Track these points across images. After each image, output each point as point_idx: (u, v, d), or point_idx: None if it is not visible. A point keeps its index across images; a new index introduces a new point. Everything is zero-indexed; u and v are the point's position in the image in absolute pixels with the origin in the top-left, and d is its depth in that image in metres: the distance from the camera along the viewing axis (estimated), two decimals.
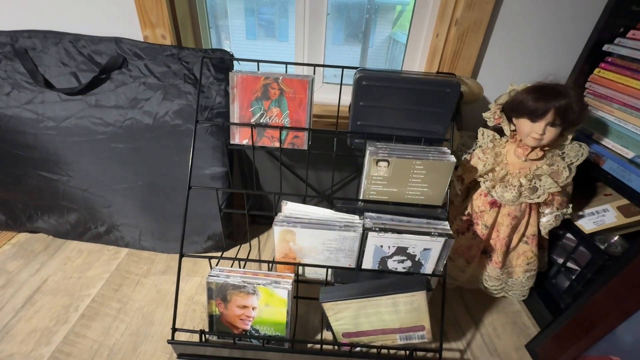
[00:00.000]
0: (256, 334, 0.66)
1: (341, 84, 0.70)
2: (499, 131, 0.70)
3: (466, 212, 0.76)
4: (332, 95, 0.96)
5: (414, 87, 0.63)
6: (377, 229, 0.60)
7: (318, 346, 0.67)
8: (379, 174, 0.63)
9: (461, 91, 0.67)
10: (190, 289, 0.82)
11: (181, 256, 0.65)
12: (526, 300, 0.83)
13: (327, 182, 0.96)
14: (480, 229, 0.73)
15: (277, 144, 0.70)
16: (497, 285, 0.78)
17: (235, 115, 0.68)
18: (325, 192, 0.96)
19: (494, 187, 0.69)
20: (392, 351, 0.65)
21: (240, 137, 0.70)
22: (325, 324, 0.72)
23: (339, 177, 0.94)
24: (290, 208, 0.64)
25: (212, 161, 0.82)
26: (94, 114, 0.78)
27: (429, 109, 0.65)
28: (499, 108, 0.67)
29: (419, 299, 0.58)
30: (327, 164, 0.92)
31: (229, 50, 0.77)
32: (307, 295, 0.73)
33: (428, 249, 0.61)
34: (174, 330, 0.64)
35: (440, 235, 0.60)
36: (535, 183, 0.65)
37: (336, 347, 0.66)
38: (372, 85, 0.63)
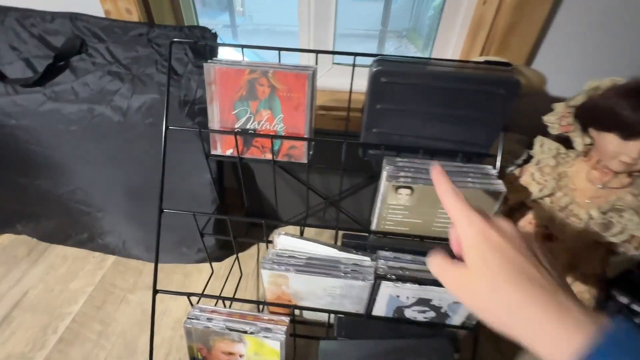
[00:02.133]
0: None
1: (352, 77, 0.53)
2: (566, 141, 0.52)
3: None
4: (343, 79, 0.78)
5: (453, 86, 0.45)
6: (394, 276, 0.46)
7: None
8: (398, 202, 0.48)
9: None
10: (178, 310, 0.73)
11: (155, 292, 0.55)
12: None
13: (334, 187, 0.81)
14: None
15: (269, 156, 0.55)
16: None
17: (215, 119, 0.54)
18: (329, 205, 0.81)
19: (550, 218, 0.52)
20: None
21: (223, 147, 0.56)
22: None
23: (348, 183, 0.79)
24: (283, 243, 0.51)
25: (197, 165, 0.68)
26: (57, 109, 0.65)
27: (472, 114, 0.48)
28: (570, 112, 0.49)
29: None
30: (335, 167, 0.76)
31: (211, 29, 0.60)
32: (305, 333, 0.63)
33: (459, 302, 0.48)
34: None
35: None
36: (611, 217, 0.48)
37: None
38: (393, 83, 0.46)
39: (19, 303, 0.74)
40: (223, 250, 0.83)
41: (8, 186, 0.76)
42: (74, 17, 0.62)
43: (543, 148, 0.52)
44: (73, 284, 0.78)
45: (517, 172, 0.57)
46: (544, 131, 0.56)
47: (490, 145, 0.51)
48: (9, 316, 0.71)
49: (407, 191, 0.47)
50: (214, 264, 0.73)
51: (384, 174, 0.48)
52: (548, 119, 0.52)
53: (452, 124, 0.49)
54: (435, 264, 0.27)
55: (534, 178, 0.52)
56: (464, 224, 0.26)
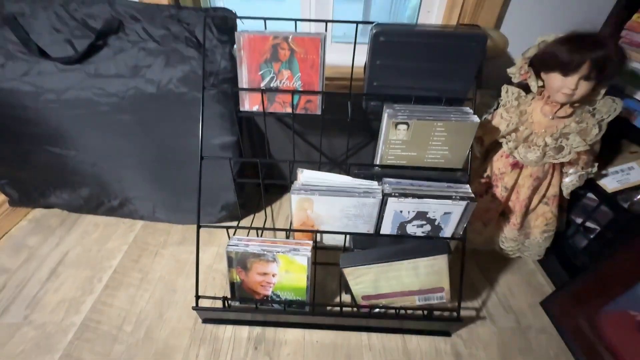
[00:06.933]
0: (277, 299, 0.68)
1: (355, 42, 0.65)
2: (525, 88, 0.66)
3: (485, 175, 0.74)
4: (343, 55, 0.90)
5: (436, 42, 0.58)
6: (397, 194, 0.59)
7: (338, 308, 0.69)
8: (397, 137, 0.61)
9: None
10: (208, 258, 0.84)
11: (199, 227, 0.65)
12: (541, 260, 0.83)
13: (340, 150, 0.93)
14: (500, 192, 0.71)
15: (289, 110, 0.67)
16: (513, 246, 0.78)
17: (243, 80, 0.65)
18: (339, 160, 0.93)
19: (516, 148, 0.66)
20: (409, 311, 0.67)
21: (250, 103, 0.67)
22: (344, 288, 0.73)
23: (352, 144, 0.91)
24: (306, 176, 0.62)
25: (220, 130, 0.79)
26: (95, 84, 0.75)
27: (452, 66, 0.61)
28: (526, 62, 0.63)
29: (440, 262, 0.58)
30: (340, 130, 0.88)
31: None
32: (325, 261, 0.74)
33: (449, 212, 0.60)
34: (198, 297, 0.66)
35: (462, 198, 0.58)
36: (561, 142, 0.62)
37: (356, 309, 0.67)
38: (390, 42, 0.59)
39: (62, 261, 0.82)
40: (243, 209, 0.94)
41: (43, 159, 0.84)
42: (112, 2, 0.71)
43: (508, 93, 0.66)
44: (109, 244, 0.87)
45: (490, 117, 0.71)
46: (509, 82, 0.69)
47: (467, 92, 0.64)
48: (55, 271, 0.80)
49: (404, 126, 0.59)
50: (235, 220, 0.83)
51: (385, 116, 0.60)
52: (510, 70, 0.66)
53: (436, 75, 0.62)
54: None
55: (502, 117, 0.66)
56: None
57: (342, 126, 0.87)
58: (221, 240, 0.89)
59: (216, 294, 0.75)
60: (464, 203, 0.58)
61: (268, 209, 0.99)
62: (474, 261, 0.84)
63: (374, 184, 0.61)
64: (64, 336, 0.67)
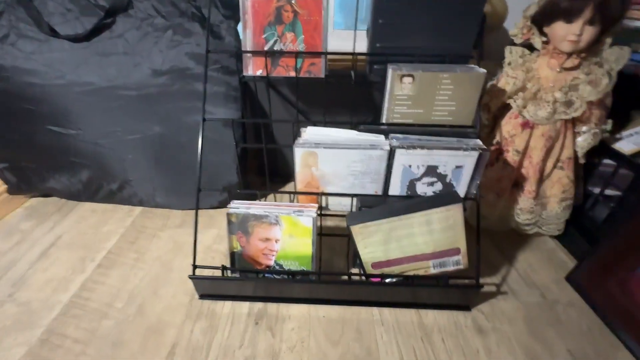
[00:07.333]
0: (280, 270, 0.63)
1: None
2: (528, 48, 0.66)
3: (494, 141, 0.71)
4: (344, 42, 0.92)
5: None
6: (405, 146, 0.56)
7: (346, 278, 0.64)
8: (403, 92, 0.59)
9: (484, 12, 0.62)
10: (207, 239, 0.79)
11: (199, 190, 0.62)
12: (560, 237, 0.78)
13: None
14: (511, 156, 0.69)
15: (292, 73, 0.66)
16: (530, 218, 0.73)
17: (248, 44, 0.65)
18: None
19: (525, 107, 0.64)
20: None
21: (254, 68, 0.67)
22: (352, 259, 0.68)
23: (355, 120, 0.90)
24: (310, 132, 0.60)
25: (224, 108, 0.79)
26: (102, 62, 0.76)
27: (453, 22, 0.61)
28: (527, 20, 0.63)
29: (455, 214, 0.54)
30: (343, 106, 0.87)
31: None
32: (330, 233, 0.70)
33: (460, 166, 0.58)
34: (195, 267, 0.61)
35: (473, 149, 0.56)
36: (571, 96, 0.61)
37: (365, 278, 0.62)
38: None
39: (54, 244, 0.78)
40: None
41: (46, 139, 0.83)
42: None
43: (512, 53, 0.66)
44: (105, 228, 0.83)
45: (495, 82, 0.70)
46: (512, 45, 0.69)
47: (470, 50, 0.64)
48: (46, 253, 0.76)
49: (410, 79, 0.58)
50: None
51: (390, 70, 0.60)
52: (512, 32, 0.66)
53: (438, 34, 0.62)
54: None
55: (508, 75, 0.65)
56: None
57: (344, 103, 0.86)
58: (222, 223, 0.85)
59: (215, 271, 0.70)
60: (475, 154, 0.56)
61: (271, 197, 0.95)
62: (490, 241, 0.79)
63: (380, 138, 0.59)
64: (49, 313, 0.61)
